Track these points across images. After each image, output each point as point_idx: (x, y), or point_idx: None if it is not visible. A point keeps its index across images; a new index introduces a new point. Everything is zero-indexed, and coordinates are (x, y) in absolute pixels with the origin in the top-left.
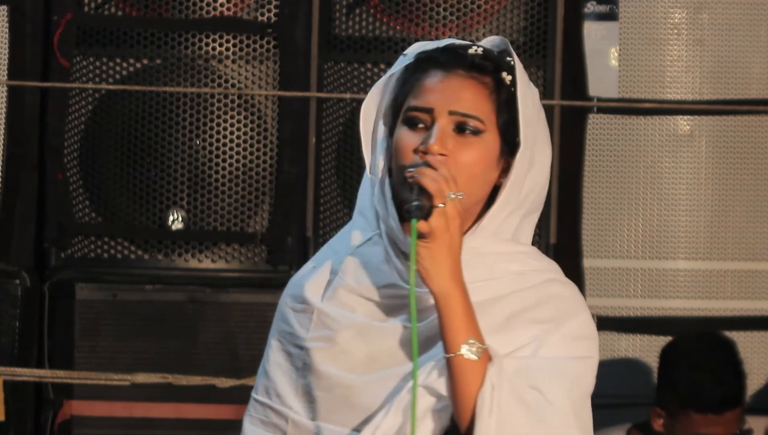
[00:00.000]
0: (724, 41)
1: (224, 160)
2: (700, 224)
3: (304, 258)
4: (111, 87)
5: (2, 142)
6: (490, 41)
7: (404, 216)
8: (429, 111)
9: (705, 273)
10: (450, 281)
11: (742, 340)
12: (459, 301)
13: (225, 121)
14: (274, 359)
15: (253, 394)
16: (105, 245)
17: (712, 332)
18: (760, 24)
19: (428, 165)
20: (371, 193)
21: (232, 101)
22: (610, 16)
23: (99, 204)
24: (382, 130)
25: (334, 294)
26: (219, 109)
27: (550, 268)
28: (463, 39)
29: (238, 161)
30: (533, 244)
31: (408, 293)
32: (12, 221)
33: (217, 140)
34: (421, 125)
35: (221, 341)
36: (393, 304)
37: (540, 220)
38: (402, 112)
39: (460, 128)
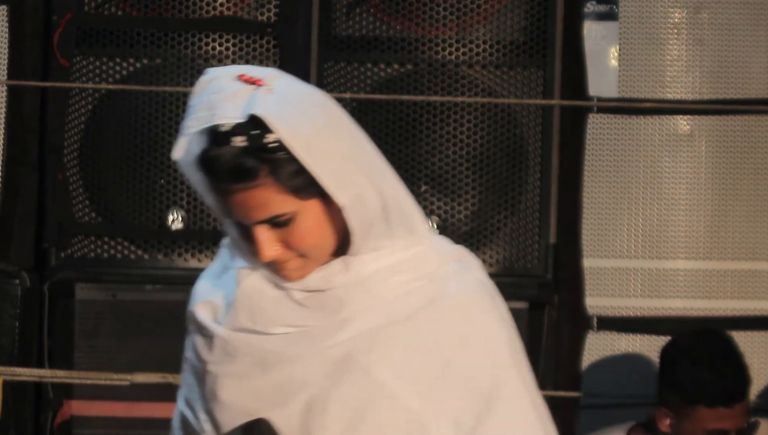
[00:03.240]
0: (724, 41)
1: None
2: (699, 224)
3: None
4: (111, 87)
5: (2, 142)
6: (236, 113)
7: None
8: (241, 223)
9: (705, 273)
10: None
11: (742, 340)
12: None
13: None
14: (189, 372)
15: (178, 400)
16: (105, 245)
17: (708, 328)
18: (760, 24)
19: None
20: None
21: None
22: (610, 16)
23: (99, 204)
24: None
25: (231, 324)
26: None
27: (444, 263)
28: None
29: None
30: (531, 245)
31: (306, 323)
32: (12, 221)
33: None
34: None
35: None
36: (289, 332)
37: (540, 220)
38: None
39: (275, 225)
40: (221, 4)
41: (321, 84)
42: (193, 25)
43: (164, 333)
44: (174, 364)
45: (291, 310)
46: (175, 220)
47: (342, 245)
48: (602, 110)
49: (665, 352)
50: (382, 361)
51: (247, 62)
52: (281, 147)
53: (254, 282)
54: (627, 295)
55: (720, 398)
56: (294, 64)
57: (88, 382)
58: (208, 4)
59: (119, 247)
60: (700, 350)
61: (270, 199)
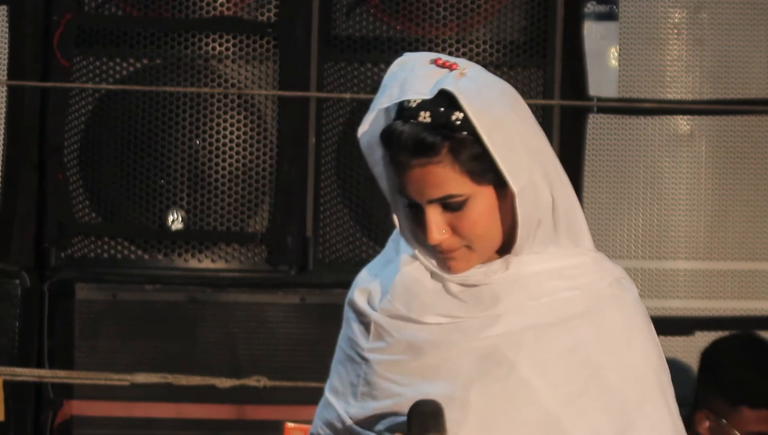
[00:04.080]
0: (724, 41)
1: (224, 160)
2: (700, 224)
3: (304, 258)
4: (111, 87)
5: (2, 142)
6: (426, 90)
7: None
8: (414, 201)
9: (705, 273)
10: None
11: None
12: None
13: (225, 121)
14: (340, 361)
15: (325, 390)
16: (105, 245)
17: (747, 332)
18: (760, 24)
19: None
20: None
21: (232, 101)
22: (610, 16)
23: (99, 204)
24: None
25: (386, 310)
26: (219, 109)
27: (604, 278)
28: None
29: (238, 161)
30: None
31: (459, 315)
32: (12, 221)
33: (217, 140)
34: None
35: (221, 341)
36: (441, 323)
37: None
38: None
39: (446, 206)
40: (221, 4)
41: (321, 84)
42: (193, 25)
43: (164, 333)
44: (174, 364)
45: (446, 302)
46: (175, 220)
47: (505, 246)
48: (602, 110)
49: (707, 355)
50: (529, 360)
51: (247, 62)
52: (465, 126)
53: (413, 270)
54: None
55: (764, 399)
56: (294, 64)
57: (88, 382)
58: (208, 4)
59: (119, 247)
60: (744, 352)
61: (447, 177)
